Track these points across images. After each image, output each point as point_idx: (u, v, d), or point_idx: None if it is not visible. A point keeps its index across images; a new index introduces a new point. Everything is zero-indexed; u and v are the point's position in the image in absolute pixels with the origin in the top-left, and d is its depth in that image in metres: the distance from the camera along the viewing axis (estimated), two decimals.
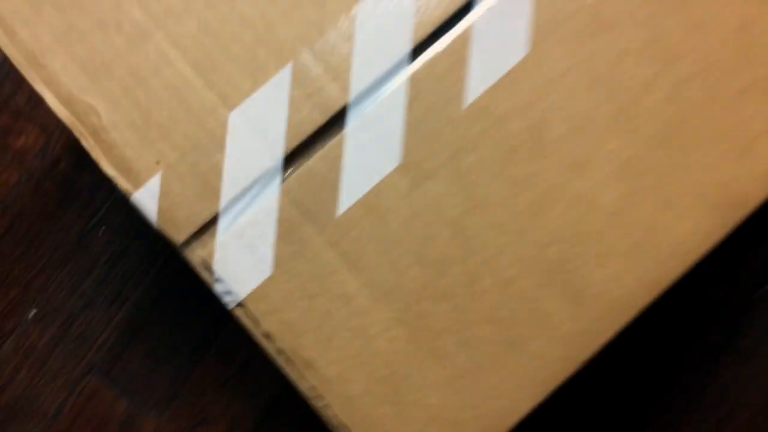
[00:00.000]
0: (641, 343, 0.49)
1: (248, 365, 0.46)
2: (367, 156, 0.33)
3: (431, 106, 0.33)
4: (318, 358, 0.32)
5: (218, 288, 0.32)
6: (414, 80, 0.33)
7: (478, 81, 0.33)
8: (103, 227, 0.45)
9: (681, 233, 0.33)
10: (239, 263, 0.32)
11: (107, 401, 0.44)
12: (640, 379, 0.49)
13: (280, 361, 0.32)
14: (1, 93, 0.45)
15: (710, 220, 0.34)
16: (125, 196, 0.32)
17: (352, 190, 0.33)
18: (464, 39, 0.33)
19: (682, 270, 0.34)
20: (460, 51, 0.33)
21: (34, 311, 0.44)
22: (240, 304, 0.32)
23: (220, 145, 0.32)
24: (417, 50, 0.33)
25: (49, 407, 0.44)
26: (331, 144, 0.33)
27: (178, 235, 0.32)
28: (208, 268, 0.32)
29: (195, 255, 0.32)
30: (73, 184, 0.45)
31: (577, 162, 0.33)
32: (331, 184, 0.33)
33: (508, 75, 0.33)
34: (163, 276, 0.45)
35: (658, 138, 0.34)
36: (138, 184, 0.32)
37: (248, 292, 0.32)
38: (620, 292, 0.33)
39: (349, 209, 0.33)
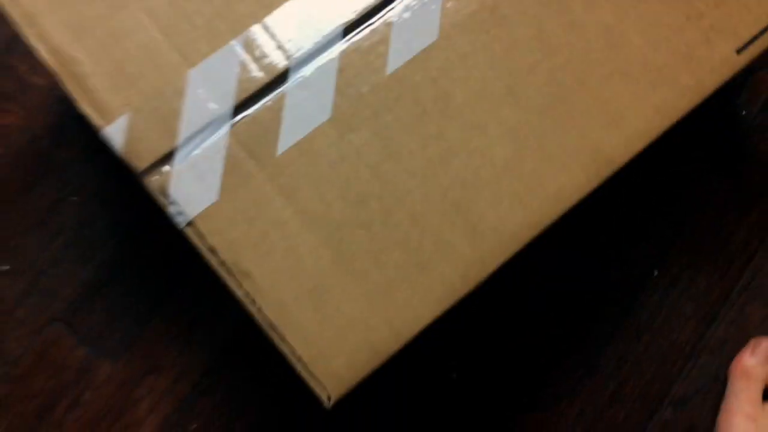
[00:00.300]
0: (547, 319, 0.55)
1: (196, 323, 0.51)
2: (303, 110, 0.40)
3: (358, 74, 0.41)
4: (254, 270, 0.38)
5: (172, 209, 0.38)
6: (345, 52, 0.41)
7: (397, 57, 0.41)
8: (75, 197, 0.51)
9: (559, 184, 0.41)
10: (190, 189, 0.38)
11: (66, 349, 0.49)
12: (544, 350, 0.54)
13: (222, 272, 0.38)
14: None
15: (583, 174, 0.41)
16: (97, 132, 0.39)
17: (289, 135, 0.40)
18: (387, 24, 0.41)
19: (558, 213, 0.41)
20: (383, 32, 0.41)
21: (6, 267, 0.49)
22: (190, 223, 0.38)
23: (179, 95, 0.39)
24: (348, 30, 0.41)
25: (11, 353, 0.48)
26: (273, 98, 0.40)
27: (139, 164, 0.38)
28: (164, 192, 0.38)
29: (153, 181, 0.38)
30: (50, 158, 0.51)
31: (475, 124, 0.41)
32: (272, 130, 0.40)
33: (421, 54, 0.41)
34: (126, 242, 0.51)
35: (540, 109, 0.41)
36: (109, 121, 0.39)
37: (197, 213, 0.38)
38: (509, 228, 0.40)
39: (286, 151, 0.39)
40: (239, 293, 0.38)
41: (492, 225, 0.40)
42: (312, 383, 0.37)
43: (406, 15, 0.41)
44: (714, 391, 0.55)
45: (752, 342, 0.54)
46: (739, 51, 0.43)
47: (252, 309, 0.38)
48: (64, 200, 0.50)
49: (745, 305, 0.56)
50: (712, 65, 0.43)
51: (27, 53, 0.52)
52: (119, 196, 0.51)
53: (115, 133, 0.38)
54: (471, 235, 0.40)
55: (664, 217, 0.57)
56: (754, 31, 0.43)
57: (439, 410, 0.53)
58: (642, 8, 0.43)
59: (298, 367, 0.37)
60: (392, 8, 0.41)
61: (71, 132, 0.52)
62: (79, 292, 0.49)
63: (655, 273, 0.56)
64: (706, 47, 0.43)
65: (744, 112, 0.60)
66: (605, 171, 0.41)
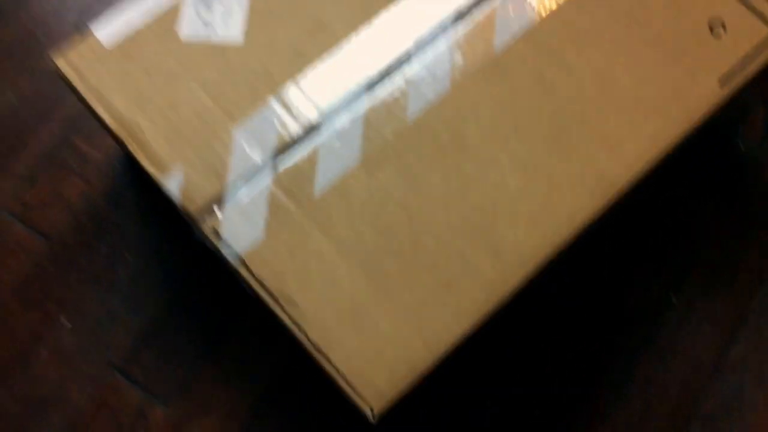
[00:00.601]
0: (573, 340, 0.58)
1: (242, 367, 0.54)
2: (336, 156, 0.45)
3: (382, 123, 0.46)
4: (299, 297, 0.42)
5: (223, 248, 0.43)
6: (370, 105, 0.46)
7: (416, 105, 0.47)
8: (128, 255, 0.56)
9: (569, 207, 0.45)
10: (240, 230, 0.43)
11: (124, 395, 0.52)
12: (573, 378, 0.57)
13: (270, 302, 0.42)
14: (58, 154, 0.58)
15: (589, 197, 0.45)
16: (155, 186, 0.44)
17: (324, 179, 0.45)
18: (406, 78, 0.47)
19: (572, 235, 0.45)
20: (402, 86, 0.47)
21: (68, 325, 0.54)
22: (240, 260, 0.43)
23: (227, 149, 0.45)
24: (371, 85, 0.47)
25: (74, 401, 0.52)
26: (309, 147, 0.45)
27: (193, 209, 0.43)
28: (217, 233, 0.43)
29: (206, 225, 0.43)
30: (106, 220, 0.57)
31: (489, 158, 0.46)
32: (309, 175, 0.45)
33: (437, 102, 0.47)
34: (174, 295, 0.55)
35: (546, 142, 0.46)
36: (166, 173, 0.44)
37: (246, 250, 0.43)
38: (526, 250, 0.44)
39: (323, 192, 0.44)
40: (286, 321, 0.42)
41: (511, 246, 0.44)
42: (356, 398, 0.41)
43: (421, 70, 0.47)
44: (737, 408, 0.57)
45: None
46: (721, 84, 0.48)
47: (299, 334, 0.42)
48: (118, 257, 0.56)
49: (761, 325, 0.59)
50: (698, 97, 0.48)
51: (88, 132, 0.59)
52: (169, 253, 0.56)
53: (172, 183, 0.44)
54: (493, 256, 0.44)
55: (677, 246, 0.61)
56: (734, 66, 0.49)
57: None
58: (629, 51, 0.48)
59: (343, 384, 0.41)
60: (409, 65, 0.47)
61: (126, 197, 0.57)
62: (133, 342, 0.54)
63: (673, 300, 0.59)
64: (691, 81, 0.48)
65: (743, 148, 0.65)
66: (610, 193, 0.46)
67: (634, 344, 0.58)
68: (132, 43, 0.47)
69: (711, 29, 0.49)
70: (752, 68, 0.49)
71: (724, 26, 0.49)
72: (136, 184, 0.58)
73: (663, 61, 0.48)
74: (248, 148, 0.45)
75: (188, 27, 0.47)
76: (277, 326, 0.43)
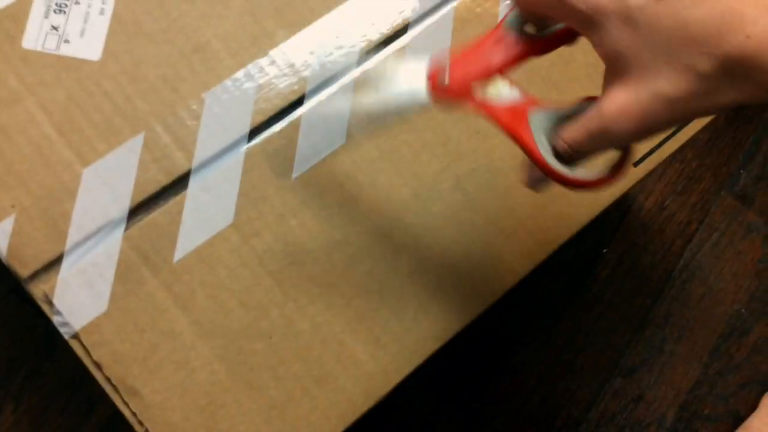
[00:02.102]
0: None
1: None
2: (205, 214, 0.39)
3: (263, 177, 0.40)
4: (143, 387, 0.36)
5: (56, 320, 0.36)
6: (250, 155, 0.40)
7: (304, 160, 0.41)
8: None
9: (463, 294, 0.41)
10: (78, 299, 0.36)
11: None
12: (503, 324, 0.57)
13: (107, 389, 0.36)
14: None
15: (484, 286, 0.41)
16: None
17: (188, 240, 0.38)
18: (295, 126, 0.41)
19: (463, 324, 0.40)
20: (290, 134, 0.41)
21: None
22: (74, 336, 0.36)
23: (71, 196, 0.37)
24: (254, 132, 0.40)
25: None
26: (173, 202, 0.38)
27: (23, 270, 0.36)
28: (49, 301, 0.36)
29: (38, 289, 0.36)
30: None
31: (381, 231, 0.41)
32: (170, 235, 0.38)
33: (329, 158, 0.41)
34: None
35: (444, 217, 0.42)
36: None
37: (83, 325, 0.36)
38: (412, 340, 0.39)
39: (184, 257, 0.38)
40: (125, 413, 0.35)
41: (395, 336, 0.39)
42: None
43: (314, 118, 0.41)
44: (659, 362, 0.59)
45: None
46: (636, 164, 0.45)
47: (139, 430, 0.35)
48: None
49: (686, 282, 0.61)
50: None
51: None
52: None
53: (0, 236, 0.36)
54: (374, 347, 0.39)
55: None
56: (652, 145, 0.45)
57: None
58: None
59: None
60: (300, 111, 0.41)
61: None
62: None
63: (605, 251, 0.60)
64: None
65: None
66: (509, 282, 0.42)
67: (566, 294, 0.59)
68: None
69: None
70: (669, 149, 0.46)
71: None
72: None
73: None
74: (98, 196, 0.37)
75: (34, 34, 0.39)
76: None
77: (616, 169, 0.30)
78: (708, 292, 0.61)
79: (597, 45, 0.26)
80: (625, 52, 0.25)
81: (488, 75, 0.30)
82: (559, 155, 0.29)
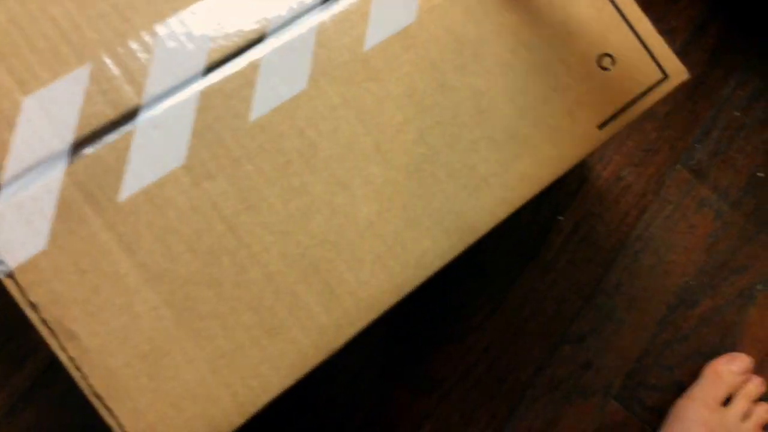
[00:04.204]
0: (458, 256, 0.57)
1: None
2: (154, 152, 0.36)
3: (218, 118, 0.38)
4: (82, 330, 0.34)
5: None
6: (205, 93, 0.38)
7: (262, 103, 0.39)
8: None
9: (422, 248, 0.40)
10: (14, 235, 0.34)
11: None
12: (455, 287, 0.57)
13: (43, 332, 0.33)
14: None
15: (446, 240, 0.40)
16: None
17: (135, 179, 0.36)
18: (254, 66, 0.39)
19: (421, 279, 0.39)
20: (249, 75, 0.38)
21: None
22: (9, 274, 0.33)
23: (9, 125, 0.35)
24: (211, 69, 0.38)
25: None
26: (120, 137, 0.36)
27: None
28: None
29: None
30: None
31: (340, 180, 0.39)
32: (115, 172, 0.36)
33: (288, 102, 0.39)
34: None
35: (407, 170, 0.40)
36: None
37: (18, 263, 0.33)
38: (368, 293, 0.38)
39: (131, 197, 0.36)
40: (62, 357, 0.33)
41: (351, 289, 0.38)
42: None
43: (275, 59, 0.39)
44: (608, 330, 0.60)
45: (731, 354, 0.62)
46: (600, 126, 0.44)
47: (75, 375, 0.33)
48: None
49: (638, 252, 0.62)
50: (574, 138, 0.44)
51: None
52: None
53: None
54: (328, 299, 0.38)
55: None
56: (617, 107, 0.45)
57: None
58: (512, 76, 0.43)
59: None
60: (260, 50, 0.39)
61: None
62: None
63: (560, 218, 0.61)
64: (570, 120, 0.44)
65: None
66: (468, 238, 0.41)
67: (520, 260, 0.59)
68: None
69: (600, 66, 0.45)
70: (633, 113, 0.45)
71: (614, 64, 0.45)
72: None
73: (545, 94, 0.44)
74: (39, 127, 0.35)
75: None
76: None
77: None
78: (659, 263, 0.62)
79: None
80: None
81: None
82: None
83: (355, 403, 0.55)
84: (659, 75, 0.46)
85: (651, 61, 0.46)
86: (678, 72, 0.46)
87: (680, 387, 0.61)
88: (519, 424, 0.57)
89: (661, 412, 0.61)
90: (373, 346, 0.56)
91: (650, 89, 0.45)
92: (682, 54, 0.67)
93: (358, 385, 0.55)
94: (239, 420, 0.35)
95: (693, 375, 0.62)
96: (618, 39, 0.45)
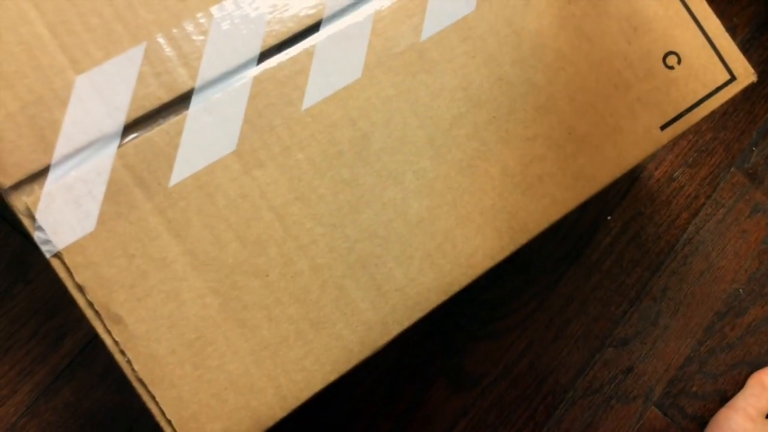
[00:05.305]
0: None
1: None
2: (206, 137, 0.36)
3: (270, 105, 0.37)
4: (128, 315, 0.33)
5: (37, 236, 0.33)
6: (258, 79, 0.37)
7: (316, 91, 0.38)
8: None
9: (472, 247, 0.39)
10: (63, 215, 0.33)
11: None
12: (498, 284, 0.57)
13: (89, 315, 0.33)
14: None
15: (495, 240, 0.39)
16: None
17: (186, 164, 0.35)
18: (308, 53, 0.38)
19: (470, 279, 0.38)
20: (303, 62, 0.38)
21: None
22: (56, 255, 0.33)
23: (62, 104, 0.34)
24: (265, 54, 0.37)
25: None
26: (172, 121, 0.35)
27: (4, 179, 0.33)
28: (31, 215, 0.33)
29: (20, 201, 0.33)
30: None
31: (392, 173, 0.38)
32: (167, 156, 0.35)
33: (342, 91, 0.38)
34: None
35: (460, 165, 0.39)
36: None
37: (67, 244, 0.33)
38: (415, 291, 0.37)
39: (181, 182, 0.35)
40: (107, 341, 0.33)
41: (398, 285, 0.37)
42: None
43: (330, 47, 0.38)
44: (652, 335, 0.59)
45: None
46: (662, 127, 0.43)
47: (121, 361, 0.33)
48: None
49: (687, 256, 0.60)
50: (635, 139, 0.42)
51: None
52: None
53: None
54: (375, 295, 0.37)
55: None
56: (680, 108, 0.43)
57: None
58: (572, 71, 0.41)
59: (167, 431, 0.33)
60: (315, 37, 0.38)
61: None
62: None
63: (609, 218, 0.59)
64: (631, 119, 0.42)
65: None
66: (520, 238, 0.40)
67: (566, 259, 0.58)
68: None
69: (666, 64, 0.43)
70: (697, 115, 0.44)
71: (679, 62, 0.43)
72: None
73: (606, 92, 0.42)
74: (92, 107, 0.34)
75: None
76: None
77: None
78: (708, 269, 0.60)
79: None
80: None
81: None
82: None
83: (392, 395, 0.54)
84: (726, 76, 0.44)
85: (718, 61, 0.44)
86: (746, 74, 0.44)
87: (723, 396, 0.60)
88: (557, 427, 0.56)
89: (702, 421, 0.59)
90: (412, 339, 0.55)
91: (716, 90, 0.43)
92: (741, 52, 0.64)
93: (395, 378, 0.54)
94: (281, 413, 0.34)
95: (737, 385, 0.60)
96: (685, 37, 0.43)
